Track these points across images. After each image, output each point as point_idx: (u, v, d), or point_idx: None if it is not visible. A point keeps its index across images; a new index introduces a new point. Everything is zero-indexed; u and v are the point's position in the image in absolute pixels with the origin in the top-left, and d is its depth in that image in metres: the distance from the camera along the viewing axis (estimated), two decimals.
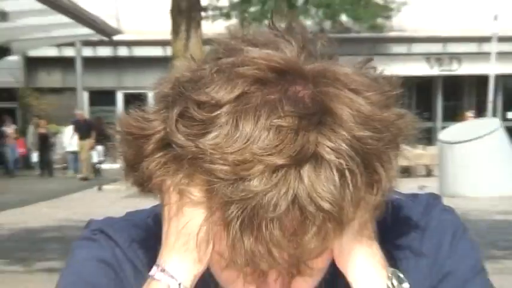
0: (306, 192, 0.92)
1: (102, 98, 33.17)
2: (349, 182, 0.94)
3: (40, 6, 20.70)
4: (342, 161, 0.93)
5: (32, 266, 9.18)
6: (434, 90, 34.85)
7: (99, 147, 26.21)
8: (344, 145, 0.94)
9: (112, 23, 27.70)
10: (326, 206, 0.92)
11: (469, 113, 25.87)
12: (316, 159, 0.93)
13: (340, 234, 0.97)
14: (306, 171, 0.93)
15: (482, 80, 29.35)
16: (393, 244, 1.11)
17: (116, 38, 28.61)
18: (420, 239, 1.14)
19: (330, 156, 0.93)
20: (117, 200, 12.06)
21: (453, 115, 31.47)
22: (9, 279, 8.45)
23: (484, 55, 28.94)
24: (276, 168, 0.92)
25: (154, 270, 1.03)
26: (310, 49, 1.02)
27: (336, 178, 0.93)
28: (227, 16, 28.00)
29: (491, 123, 20.38)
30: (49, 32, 26.48)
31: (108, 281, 1.12)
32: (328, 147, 0.93)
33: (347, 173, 0.93)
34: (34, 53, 32.03)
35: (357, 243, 1.01)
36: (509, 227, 12.26)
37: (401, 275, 1.04)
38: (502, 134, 18.70)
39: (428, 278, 1.11)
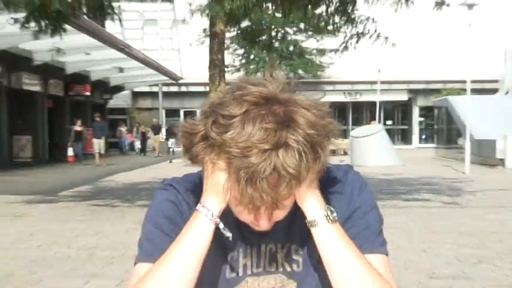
0: (281, 164, 0.90)
1: (172, 113, 33.04)
2: (304, 158, 0.91)
3: (141, 65, 21.06)
4: (300, 146, 0.91)
5: (134, 203, 9.11)
6: (347, 110, 34.89)
7: (172, 140, 26.45)
8: (301, 138, 0.91)
9: (178, 73, 27.89)
10: (291, 171, 0.91)
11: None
12: (286, 145, 0.91)
13: (299, 187, 0.95)
14: (281, 152, 0.91)
15: (373, 104, 29.63)
16: (327, 191, 1.08)
17: (180, 81, 28.75)
18: (342, 188, 1.11)
19: (293, 144, 0.91)
20: (180, 168, 12.00)
21: (357, 122, 31.79)
22: (121, 210, 8.40)
23: (374, 91, 29.49)
24: (264, 151, 0.90)
25: (198, 206, 1.01)
26: (283, 87, 1.00)
27: (297, 156, 0.91)
28: (238, 70, 28.31)
29: (378, 127, 21.01)
30: (145, 78, 26.45)
31: (174, 212, 1.10)
32: (292, 139, 0.91)
33: (302, 153, 0.91)
34: (137, 89, 31.99)
35: (308, 191, 0.99)
36: (388, 182, 12.30)
37: (332, 209, 1.02)
38: (383, 133, 19.38)
39: (346, 211, 1.08)
